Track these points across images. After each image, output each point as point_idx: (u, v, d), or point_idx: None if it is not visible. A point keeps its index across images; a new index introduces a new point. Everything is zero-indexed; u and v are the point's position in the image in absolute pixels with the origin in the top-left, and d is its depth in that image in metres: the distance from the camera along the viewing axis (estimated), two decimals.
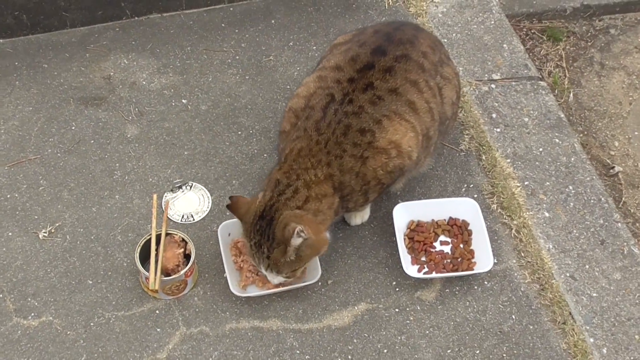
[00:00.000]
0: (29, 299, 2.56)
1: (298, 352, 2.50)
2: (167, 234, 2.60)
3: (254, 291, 2.58)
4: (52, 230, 2.70)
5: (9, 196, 2.76)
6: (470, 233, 2.71)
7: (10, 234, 2.69)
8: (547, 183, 2.87)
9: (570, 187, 2.86)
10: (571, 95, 3.44)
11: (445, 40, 3.21)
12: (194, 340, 2.51)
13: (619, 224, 2.79)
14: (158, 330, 2.53)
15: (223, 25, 3.25)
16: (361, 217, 2.76)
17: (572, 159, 2.93)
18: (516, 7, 3.63)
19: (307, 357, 2.50)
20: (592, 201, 2.84)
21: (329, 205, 2.46)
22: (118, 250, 2.67)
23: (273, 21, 3.28)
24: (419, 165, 2.68)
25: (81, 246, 2.68)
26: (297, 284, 2.57)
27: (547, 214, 2.80)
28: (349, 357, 2.50)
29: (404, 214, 2.72)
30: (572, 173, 2.90)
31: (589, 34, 3.66)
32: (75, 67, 3.09)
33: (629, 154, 3.29)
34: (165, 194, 2.79)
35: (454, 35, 3.25)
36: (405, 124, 2.49)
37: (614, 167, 3.24)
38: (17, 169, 2.82)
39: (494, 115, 3.02)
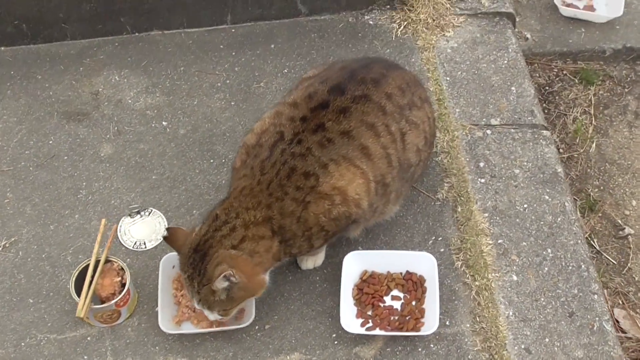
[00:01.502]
0: None
1: None
2: (107, 261, 2.55)
3: (188, 328, 2.50)
4: (7, 245, 2.70)
5: None
6: (425, 290, 2.52)
7: None
8: (524, 243, 2.64)
9: (549, 250, 2.62)
10: (594, 145, 3.17)
11: (448, 79, 3.02)
12: None
13: (595, 296, 2.53)
14: (85, 357, 2.48)
15: (221, 46, 3.17)
16: (313, 261, 2.62)
17: (559, 219, 2.68)
18: (549, 45, 3.38)
19: None
20: (570, 268, 2.59)
21: (266, 248, 2.34)
22: (65, 272, 2.64)
23: (272, 46, 3.17)
24: (378, 213, 2.52)
25: (31, 263, 2.66)
26: (229, 326, 2.47)
27: (515, 278, 2.57)
28: None
29: (356, 263, 2.56)
30: (555, 235, 2.65)
31: (629, 79, 3.37)
32: (67, 80, 3.08)
33: None
34: (123, 218, 2.73)
35: (459, 73, 3.04)
36: (354, 170, 2.34)
37: (624, 228, 2.97)
38: None
39: (481, 164, 2.80)
